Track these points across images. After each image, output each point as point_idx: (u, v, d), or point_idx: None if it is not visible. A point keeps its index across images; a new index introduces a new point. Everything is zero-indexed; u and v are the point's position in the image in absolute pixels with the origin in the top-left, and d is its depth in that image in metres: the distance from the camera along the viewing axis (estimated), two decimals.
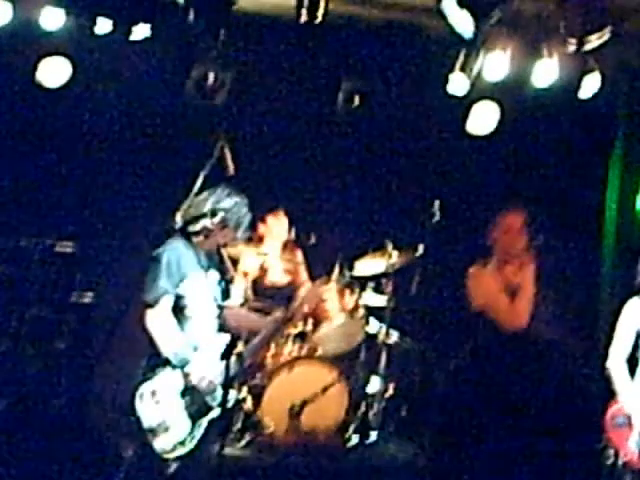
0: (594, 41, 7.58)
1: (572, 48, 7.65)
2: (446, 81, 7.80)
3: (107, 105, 8.29)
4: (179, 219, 5.75)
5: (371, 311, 8.06)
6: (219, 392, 5.51)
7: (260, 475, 7.06)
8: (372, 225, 9.02)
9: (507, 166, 9.16)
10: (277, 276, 8.22)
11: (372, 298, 8.12)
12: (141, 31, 7.29)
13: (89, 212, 8.17)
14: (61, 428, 6.95)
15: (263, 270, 8.06)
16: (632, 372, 5.95)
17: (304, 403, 7.34)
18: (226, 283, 5.80)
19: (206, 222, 5.58)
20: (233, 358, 5.53)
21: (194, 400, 5.44)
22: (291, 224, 8.17)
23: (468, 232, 6.77)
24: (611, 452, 5.98)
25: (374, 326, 8.05)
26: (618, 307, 6.19)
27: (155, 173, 8.47)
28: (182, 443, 5.40)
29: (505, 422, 1.62)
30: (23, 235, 7.30)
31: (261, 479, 7.02)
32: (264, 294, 8.03)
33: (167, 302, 5.39)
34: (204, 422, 5.47)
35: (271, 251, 8.05)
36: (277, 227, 8.12)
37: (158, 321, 5.37)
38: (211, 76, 8.06)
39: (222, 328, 5.70)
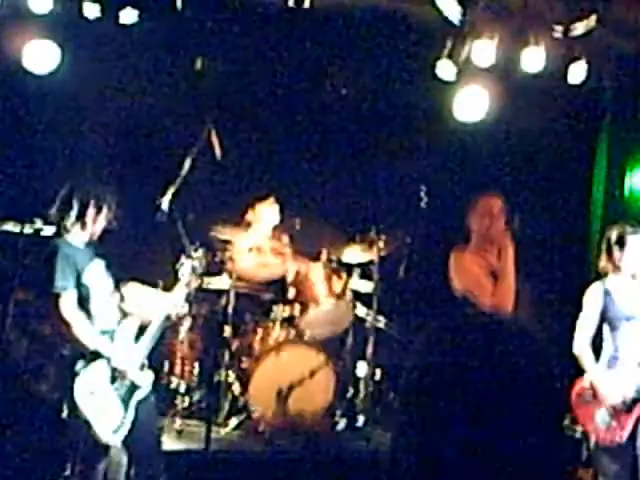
0: (581, 27, 7.60)
1: (559, 34, 7.67)
2: (434, 67, 7.81)
3: (95, 89, 8.28)
4: (53, 219, 5.73)
5: (359, 296, 8.08)
6: (142, 374, 5.67)
7: (247, 459, 7.08)
8: (359, 211, 9.03)
9: (495, 151, 9.18)
10: (264, 261, 8.23)
11: (359, 283, 8.15)
12: (130, 15, 7.29)
13: None
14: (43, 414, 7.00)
15: (251, 254, 8.08)
16: (596, 352, 6.08)
17: (291, 387, 7.36)
18: (109, 270, 5.85)
19: (78, 214, 5.66)
20: (146, 340, 5.73)
21: (122, 385, 5.57)
22: (280, 210, 8.19)
23: (455, 217, 6.77)
24: (578, 428, 6.13)
25: (362, 311, 8.07)
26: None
27: (142, 157, 8.47)
28: (116, 431, 5.49)
29: (490, 407, 1.63)
30: (9, 219, 7.28)
31: (248, 463, 7.03)
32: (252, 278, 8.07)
33: (69, 297, 5.48)
34: (132, 406, 5.59)
35: (259, 236, 8.07)
36: (266, 213, 8.13)
37: (68, 313, 5.47)
38: (199, 60, 8.07)
39: (125, 313, 5.83)
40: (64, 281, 5.46)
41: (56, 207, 5.69)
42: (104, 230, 5.80)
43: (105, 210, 5.72)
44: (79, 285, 5.53)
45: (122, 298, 5.91)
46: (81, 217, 5.64)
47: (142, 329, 5.77)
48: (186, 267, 6.04)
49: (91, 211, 5.67)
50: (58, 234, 5.68)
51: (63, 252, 5.52)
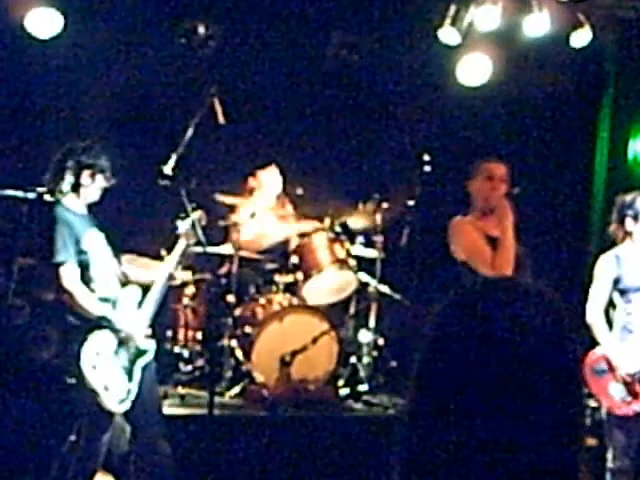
0: None
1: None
2: (437, 32, 7.77)
3: (97, 55, 8.24)
4: (44, 188, 5.71)
5: (361, 263, 8.07)
6: (145, 341, 5.65)
7: (250, 425, 7.10)
8: (362, 177, 9.02)
9: (498, 117, 9.16)
10: (268, 228, 8.22)
11: (362, 250, 8.14)
12: None
13: None
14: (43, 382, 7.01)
15: (253, 222, 8.06)
16: (609, 322, 6.02)
17: (294, 353, 7.35)
18: (108, 238, 5.81)
19: (73, 179, 5.60)
20: (149, 304, 5.73)
21: (126, 353, 5.56)
22: (283, 177, 8.17)
23: (459, 183, 6.72)
24: (591, 400, 6.10)
25: (364, 278, 8.07)
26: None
27: (145, 123, 8.44)
28: (122, 400, 5.49)
29: (493, 373, 1.61)
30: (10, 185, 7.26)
31: (251, 429, 7.04)
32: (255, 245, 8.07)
33: (70, 268, 5.46)
34: (136, 375, 5.57)
35: (262, 203, 8.05)
36: (269, 180, 8.11)
37: (69, 285, 5.45)
38: (201, 26, 8.03)
39: (123, 282, 5.81)
40: (65, 253, 5.43)
41: (50, 173, 5.64)
42: (103, 196, 5.75)
43: (100, 174, 5.65)
44: (79, 252, 5.50)
45: (122, 266, 5.91)
46: (75, 182, 5.59)
47: (144, 294, 5.78)
48: (185, 224, 6.01)
49: (85, 175, 5.61)
50: (55, 201, 5.63)
51: (62, 220, 5.49)
